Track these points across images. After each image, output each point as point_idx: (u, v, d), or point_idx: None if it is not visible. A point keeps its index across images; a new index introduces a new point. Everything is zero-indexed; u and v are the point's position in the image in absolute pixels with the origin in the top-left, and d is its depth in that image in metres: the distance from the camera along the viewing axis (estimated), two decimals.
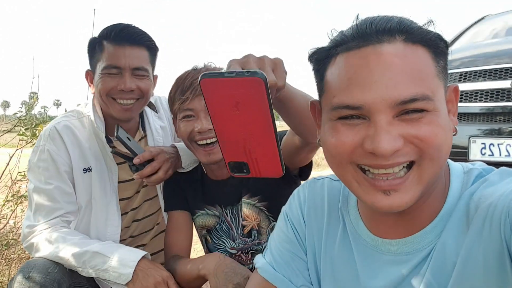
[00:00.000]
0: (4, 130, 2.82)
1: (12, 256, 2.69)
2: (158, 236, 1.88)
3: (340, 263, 0.85)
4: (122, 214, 1.68)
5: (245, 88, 0.63)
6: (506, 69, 2.88)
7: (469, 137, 3.00)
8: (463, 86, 3.05)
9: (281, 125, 1.41)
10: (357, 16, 0.72)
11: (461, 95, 3.06)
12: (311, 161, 1.39)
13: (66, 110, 1.77)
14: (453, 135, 0.71)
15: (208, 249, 1.61)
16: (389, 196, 0.68)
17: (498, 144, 2.89)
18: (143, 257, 1.42)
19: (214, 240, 1.57)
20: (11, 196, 2.68)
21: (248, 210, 1.48)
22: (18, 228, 2.81)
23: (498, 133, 2.93)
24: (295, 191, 0.99)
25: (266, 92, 0.63)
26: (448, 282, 0.69)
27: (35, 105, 2.86)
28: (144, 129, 1.77)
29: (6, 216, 2.82)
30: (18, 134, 2.62)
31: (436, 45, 0.69)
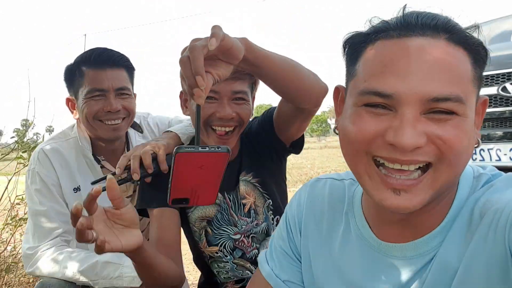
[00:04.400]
0: None
1: (12, 280, 2.69)
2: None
3: (341, 264, 0.85)
4: None
5: (213, 157, 0.79)
6: (492, 75, 2.95)
7: None
8: None
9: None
10: (404, 6, 0.70)
11: None
12: (303, 135, 1.42)
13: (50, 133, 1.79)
14: (475, 147, 0.69)
15: (208, 242, 1.50)
16: (398, 195, 0.66)
17: (488, 149, 2.95)
18: None
19: (215, 231, 1.49)
20: (10, 220, 2.70)
21: (245, 187, 1.45)
22: (18, 252, 2.80)
23: (488, 138, 2.98)
24: (297, 191, 0.98)
25: (227, 159, 0.80)
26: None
27: (32, 129, 2.90)
28: (128, 150, 1.75)
29: (7, 240, 2.83)
30: (16, 158, 2.66)
31: (477, 52, 0.68)
